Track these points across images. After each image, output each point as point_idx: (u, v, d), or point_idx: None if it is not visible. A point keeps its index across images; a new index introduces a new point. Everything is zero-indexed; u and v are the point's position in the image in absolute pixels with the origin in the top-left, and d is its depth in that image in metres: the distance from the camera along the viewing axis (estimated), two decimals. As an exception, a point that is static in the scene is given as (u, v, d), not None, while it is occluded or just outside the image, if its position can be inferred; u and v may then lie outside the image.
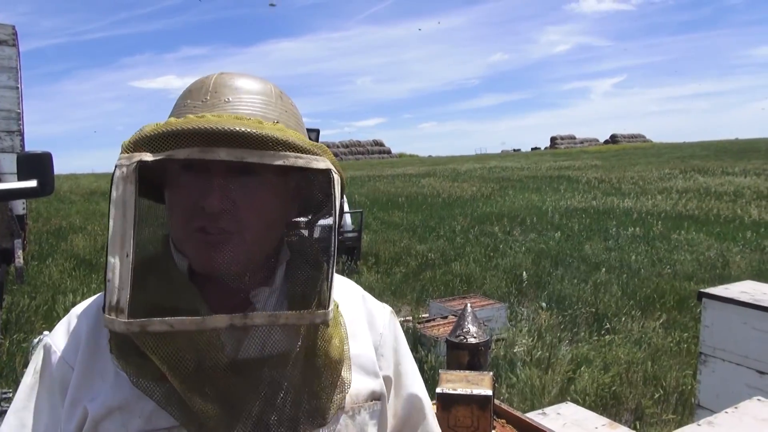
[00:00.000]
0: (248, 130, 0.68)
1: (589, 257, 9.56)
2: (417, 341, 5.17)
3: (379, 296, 1.00)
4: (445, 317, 5.84)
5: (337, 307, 0.83)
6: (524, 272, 8.28)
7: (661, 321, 6.23)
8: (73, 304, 0.91)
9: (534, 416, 2.23)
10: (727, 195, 17.12)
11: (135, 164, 0.68)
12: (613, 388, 4.51)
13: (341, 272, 1.00)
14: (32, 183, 2.36)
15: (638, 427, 4.08)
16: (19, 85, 5.87)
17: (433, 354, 4.83)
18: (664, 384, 4.56)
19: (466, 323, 1.73)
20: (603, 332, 5.87)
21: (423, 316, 6.23)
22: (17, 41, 5.91)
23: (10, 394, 3.65)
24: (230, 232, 0.73)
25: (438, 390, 1.38)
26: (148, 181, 0.76)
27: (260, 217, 0.75)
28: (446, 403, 1.37)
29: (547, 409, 2.47)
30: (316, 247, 0.82)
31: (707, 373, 3.43)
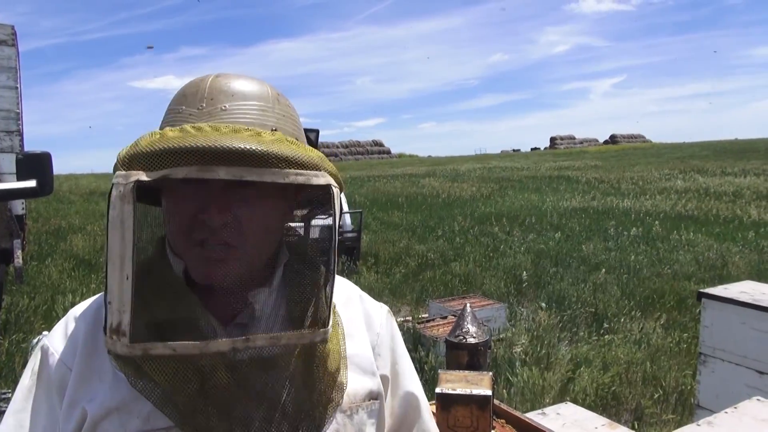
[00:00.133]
0: (246, 146, 0.68)
1: (588, 257, 9.56)
2: (416, 341, 5.17)
3: (379, 296, 1.00)
4: (445, 317, 5.84)
5: (335, 307, 0.83)
6: (524, 272, 8.28)
7: (660, 321, 6.23)
8: (73, 305, 0.91)
9: (533, 416, 2.23)
10: (727, 195, 17.12)
11: (132, 184, 0.67)
12: (613, 388, 4.51)
13: (340, 272, 1.00)
14: (31, 183, 2.37)
15: (638, 427, 4.08)
16: (18, 85, 5.87)
17: (433, 354, 4.83)
18: (663, 384, 4.56)
19: (466, 323, 1.73)
20: (602, 332, 5.87)
21: (422, 316, 6.23)
22: (16, 41, 5.91)
23: (9, 395, 3.65)
24: (231, 246, 0.73)
25: (437, 390, 1.38)
26: (145, 187, 0.76)
27: (260, 229, 0.76)
28: (446, 403, 1.37)
29: (547, 409, 2.47)
30: (313, 254, 0.83)
31: (707, 373, 3.43)
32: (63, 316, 0.87)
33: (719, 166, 26.30)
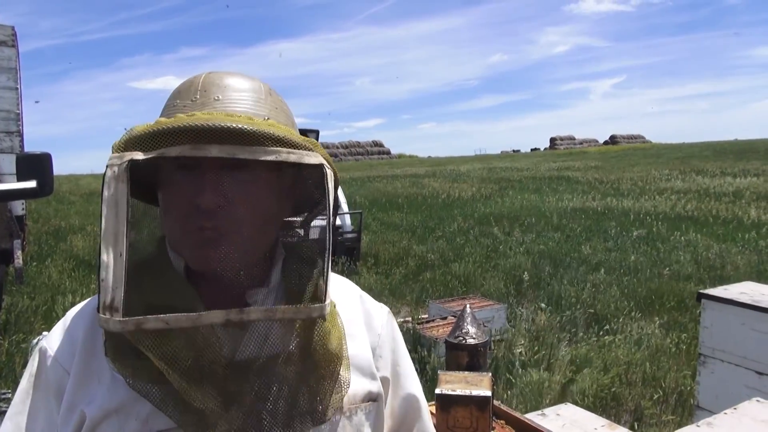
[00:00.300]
0: (239, 126, 0.68)
1: (588, 258, 9.56)
2: (416, 342, 5.17)
3: (379, 297, 0.99)
4: (445, 318, 5.83)
5: (335, 307, 0.83)
6: (525, 273, 8.29)
7: (660, 322, 6.24)
8: (73, 305, 0.90)
9: (533, 417, 2.23)
10: (727, 196, 17.12)
11: (126, 163, 0.68)
12: (613, 389, 4.51)
13: (341, 273, 1.00)
14: (32, 183, 2.37)
15: (637, 428, 4.08)
16: (18, 86, 5.88)
17: (433, 355, 4.83)
18: (663, 385, 4.56)
19: (466, 324, 1.73)
20: (602, 333, 5.87)
21: (422, 316, 6.22)
22: (17, 42, 5.92)
23: (9, 395, 3.65)
24: (226, 229, 0.73)
25: (437, 391, 1.38)
26: (141, 183, 0.76)
27: (255, 213, 0.75)
28: (445, 404, 1.37)
29: (547, 410, 2.47)
30: (311, 242, 0.83)
31: (706, 374, 3.43)
32: (63, 316, 0.86)
33: (719, 167, 26.32)
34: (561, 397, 4.25)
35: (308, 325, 0.75)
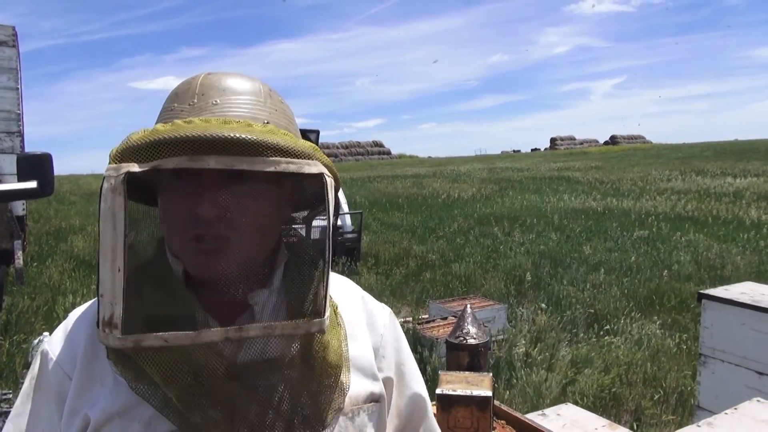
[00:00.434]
0: (237, 135, 0.67)
1: (588, 258, 9.56)
2: (417, 342, 5.17)
3: (379, 297, 0.99)
4: (445, 318, 5.83)
5: (336, 308, 0.83)
6: (528, 273, 8.29)
7: (660, 322, 6.24)
8: (73, 305, 0.90)
9: (534, 417, 2.23)
10: (727, 196, 17.12)
11: (123, 176, 0.67)
12: (613, 389, 4.51)
13: (341, 273, 1.00)
14: (32, 184, 2.37)
15: (638, 428, 4.08)
16: (19, 86, 5.88)
17: (433, 355, 4.83)
18: (663, 385, 4.56)
19: (466, 324, 1.73)
20: (602, 333, 5.87)
21: (423, 317, 6.22)
22: (17, 42, 5.92)
23: (10, 395, 3.65)
24: (226, 238, 0.72)
25: (438, 391, 1.38)
26: (140, 186, 0.76)
27: (255, 222, 0.74)
28: (446, 404, 1.37)
29: (547, 410, 2.47)
30: (311, 250, 0.82)
31: (707, 374, 3.44)
32: (63, 316, 0.86)
33: (719, 167, 26.31)
34: (561, 398, 4.25)
35: (308, 337, 0.75)
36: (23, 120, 5.93)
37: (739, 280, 5.71)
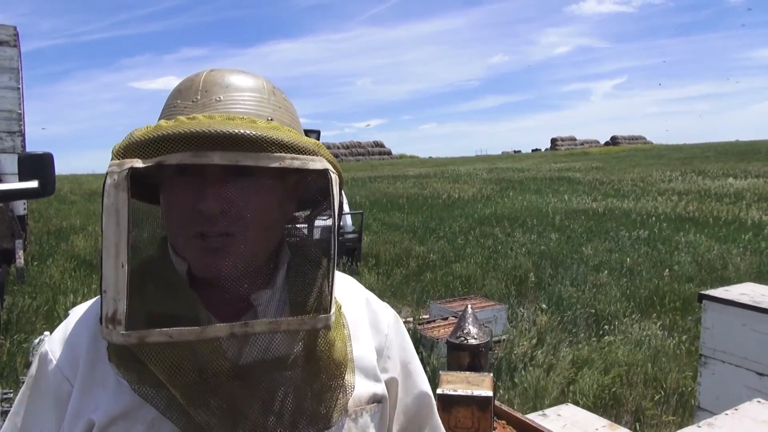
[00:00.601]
0: (241, 131, 0.66)
1: (589, 259, 9.56)
2: (417, 342, 5.17)
3: (380, 297, 0.99)
4: (446, 318, 5.84)
5: (340, 308, 0.83)
6: (531, 274, 8.30)
7: (661, 323, 6.24)
8: (74, 305, 0.90)
9: (534, 417, 2.23)
10: (728, 197, 17.12)
11: (126, 171, 0.66)
12: (614, 390, 4.51)
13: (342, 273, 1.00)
14: (33, 183, 2.37)
15: (638, 428, 4.08)
16: (20, 86, 5.89)
17: (434, 355, 4.83)
18: (664, 386, 4.56)
19: (467, 324, 1.73)
20: (603, 333, 5.87)
21: (423, 317, 6.23)
22: (18, 42, 5.93)
23: (11, 394, 3.66)
24: (229, 236, 0.72)
25: (439, 391, 1.38)
26: (143, 183, 0.75)
27: (259, 219, 0.74)
28: (447, 404, 1.37)
29: (548, 411, 2.47)
30: (316, 248, 0.81)
31: (707, 374, 3.44)
32: (64, 316, 0.85)
33: (720, 168, 26.31)
34: (562, 398, 4.25)
35: (313, 334, 0.74)
36: (24, 120, 5.94)
37: (739, 281, 5.71)
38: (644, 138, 75.16)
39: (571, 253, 10.11)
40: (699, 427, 2.08)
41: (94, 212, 15.57)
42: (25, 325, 5.99)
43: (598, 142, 74.28)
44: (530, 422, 1.77)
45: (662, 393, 4.48)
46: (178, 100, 0.77)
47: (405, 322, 5.84)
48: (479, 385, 1.40)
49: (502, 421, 1.78)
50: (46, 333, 3.37)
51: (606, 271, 8.49)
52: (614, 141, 71.65)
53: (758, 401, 2.26)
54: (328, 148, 0.78)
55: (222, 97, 0.75)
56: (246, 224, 0.73)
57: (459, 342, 1.71)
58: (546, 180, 25.22)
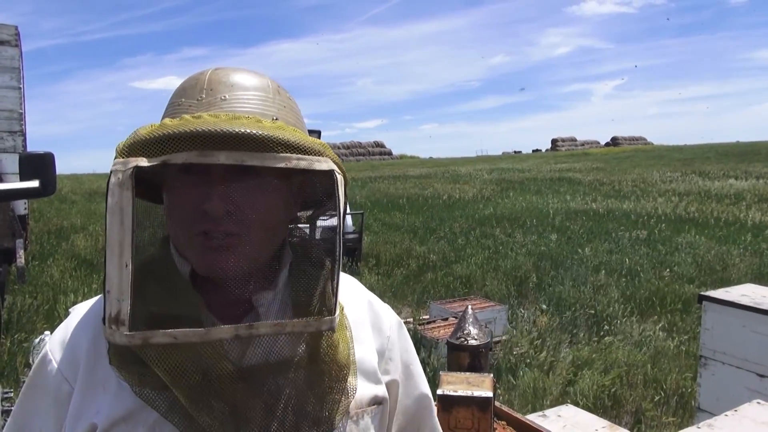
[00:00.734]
0: (247, 131, 0.66)
1: (589, 259, 9.56)
2: (417, 343, 5.18)
3: (380, 297, 0.99)
4: (446, 319, 5.84)
5: (342, 310, 0.82)
6: (533, 275, 8.30)
7: (661, 324, 6.24)
8: (74, 305, 0.89)
9: (534, 418, 2.23)
10: (728, 198, 17.12)
11: (131, 170, 0.65)
12: (614, 391, 4.51)
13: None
14: (34, 183, 2.37)
15: (638, 429, 4.08)
16: (21, 86, 5.88)
17: (434, 355, 4.84)
18: (664, 386, 4.56)
19: (467, 325, 1.74)
20: (603, 334, 5.87)
21: (423, 317, 6.23)
22: (20, 42, 5.93)
23: (11, 394, 3.66)
24: (234, 236, 0.71)
25: (439, 391, 1.39)
26: (145, 182, 0.74)
27: (263, 219, 0.73)
28: (447, 405, 1.37)
29: (548, 411, 2.47)
30: (320, 249, 0.81)
31: (707, 375, 3.44)
32: (64, 315, 0.85)
33: (721, 169, 26.30)
34: (562, 398, 4.25)
35: (316, 336, 0.74)
36: (25, 119, 5.94)
37: (739, 282, 5.71)
38: (645, 139, 75.16)
39: (571, 253, 10.11)
40: (699, 428, 2.08)
41: (94, 212, 15.58)
42: (26, 324, 5.99)
43: (599, 143, 74.28)
44: (530, 423, 1.77)
45: (662, 394, 4.48)
46: (183, 99, 0.76)
47: (405, 323, 5.85)
48: (479, 386, 1.40)
49: (502, 422, 1.78)
50: (47, 332, 3.38)
51: (606, 272, 8.50)
52: (615, 142, 71.65)
53: (758, 402, 2.26)
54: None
55: (227, 96, 0.75)
56: (251, 225, 0.72)
57: (459, 342, 1.71)
58: (546, 180, 25.21)
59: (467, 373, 1.51)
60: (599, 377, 4.65)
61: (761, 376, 3.15)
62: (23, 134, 5.87)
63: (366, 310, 0.92)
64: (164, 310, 0.70)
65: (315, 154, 0.71)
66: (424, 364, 4.65)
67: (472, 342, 1.69)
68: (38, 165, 2.40)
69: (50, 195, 2.50)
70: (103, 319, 0.66)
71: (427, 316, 6.26)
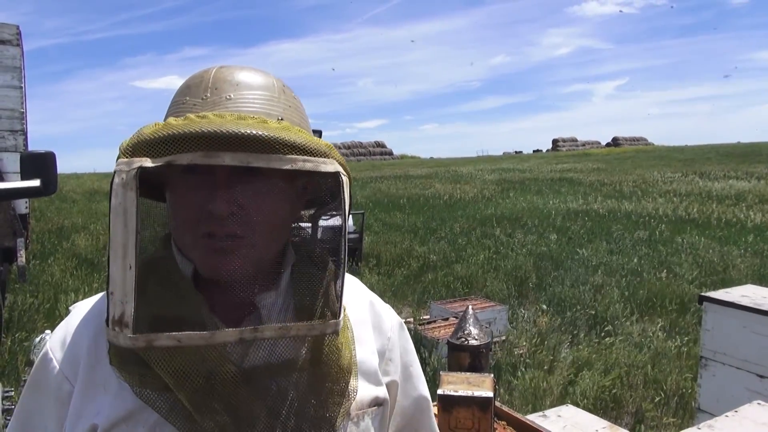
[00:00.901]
0: (253, 132, 0.65)
1: (590, 260, 9.55)
2: (418, 343, 5.17)
3: (380, 297, 0.99)
4: (446, 319, 5.84)
5: (345, 310, 0.82)
6: (534, 276, 8.29)
7: (661, 324, 6.23)
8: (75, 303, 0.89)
9: (534, 418, 2.23)
10: (729, 198, 17.10)
11: (135, 170, 0.65)
12: (614, 391, 4.51)
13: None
14: (35, 182, 2.38)
15: (638, 430, 4.08)
16: (22, 85, 5.89)
17: (434, 356, 4.84)
18: (664, 387, 4.56)
19: (468, 325, 1.74)
20: (603, 335, 5.87)
21: (424, 317, 6.23)
22: (21, 41, 5.93)
23: (12, 393, 3.67)
24: (239, 237, 0.71)
25: (439, 392, 1.39)
26: (148, 181, 0.73)
27: (268, 221, 0.73)
28: (447, 405, 1.38)
29: (548, 412, 2.47)
30: (324, 251, 0.81)
31: (708, 376, 3.43)
32: (65, 314, 0.84)
33: (722, 170, 26.27)
34: (562, 399, 4.25)
35: (320, 339, 0.74)
36: (26, 118, 5.94)
37: (740, 282, 5.71)
38: (645, 139, 75.12)
39: (571, 254, 10.10)
40: (699, 429, 2.08)
41: (95, 211, 15.58)
42: (27, 323, 6.00)
43: (600, 143, 74.24)
44: (530, 423, 1.77)
45: (662, 395, 4.48)
46: (187, 97, 0.76)
47: (406, 323, 5.85)
48: (480, 386, 1.40)
49: (503, 422, 1.78)
50: (48, 331, 3.38)
51: (606, 272, 8.49)
52: (615, 142, 71.61)
53: (758, 403, 2.26)
54: (331, 148, 0.77)
55: (232, 95, 0.74)
56: (255, 226, 0.72)
57: (460, 343, 1.71)
58: (547, 181, 25.20)
59: (468, 373, 1.51)
60: (599, 378, 4.65)
61: (761, 376, 3.14)
62: (24, 133, 5.87)
63: (367, 310, 0.92)
64: (167, 311, 0.70)
65: (321, 156, 0.71)
66: (425, 364, 4.65)
67: (473, 342, 1.69)
68: (39, 164, 2.40)
69: (51, 194, 2.51)
70: (107, 321, 0.66)
71: (428, 316, 6.26)
